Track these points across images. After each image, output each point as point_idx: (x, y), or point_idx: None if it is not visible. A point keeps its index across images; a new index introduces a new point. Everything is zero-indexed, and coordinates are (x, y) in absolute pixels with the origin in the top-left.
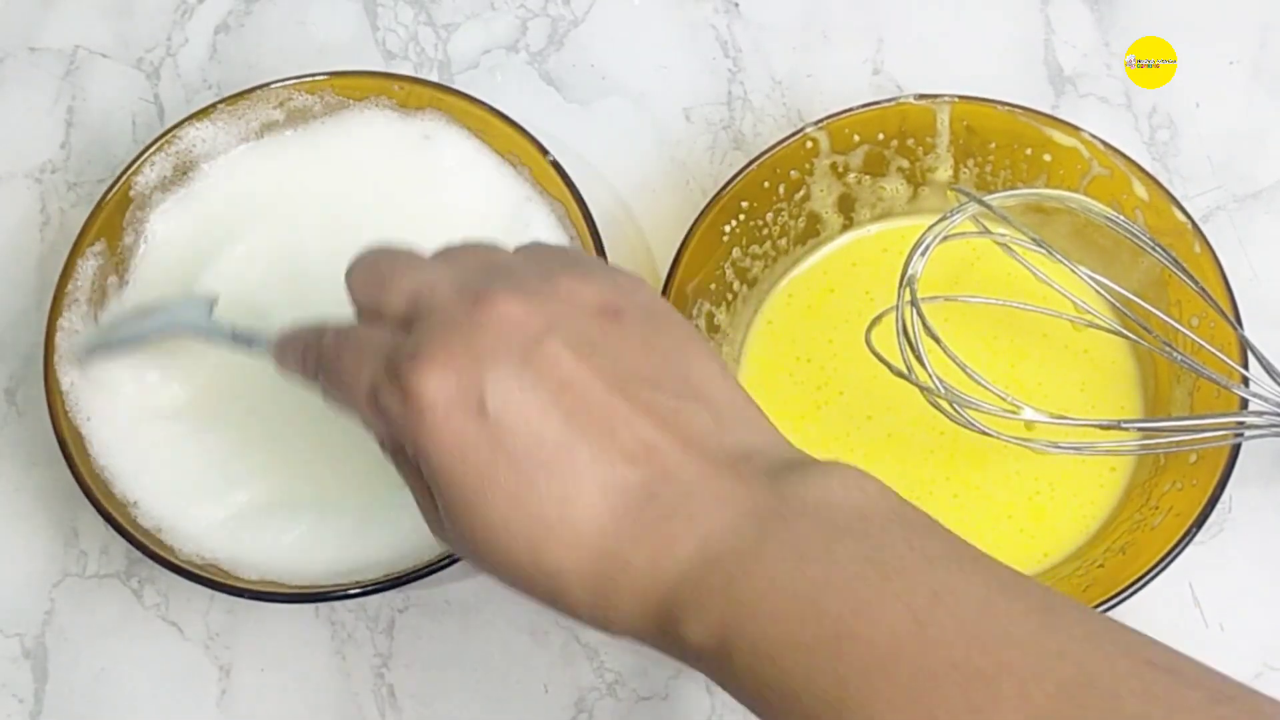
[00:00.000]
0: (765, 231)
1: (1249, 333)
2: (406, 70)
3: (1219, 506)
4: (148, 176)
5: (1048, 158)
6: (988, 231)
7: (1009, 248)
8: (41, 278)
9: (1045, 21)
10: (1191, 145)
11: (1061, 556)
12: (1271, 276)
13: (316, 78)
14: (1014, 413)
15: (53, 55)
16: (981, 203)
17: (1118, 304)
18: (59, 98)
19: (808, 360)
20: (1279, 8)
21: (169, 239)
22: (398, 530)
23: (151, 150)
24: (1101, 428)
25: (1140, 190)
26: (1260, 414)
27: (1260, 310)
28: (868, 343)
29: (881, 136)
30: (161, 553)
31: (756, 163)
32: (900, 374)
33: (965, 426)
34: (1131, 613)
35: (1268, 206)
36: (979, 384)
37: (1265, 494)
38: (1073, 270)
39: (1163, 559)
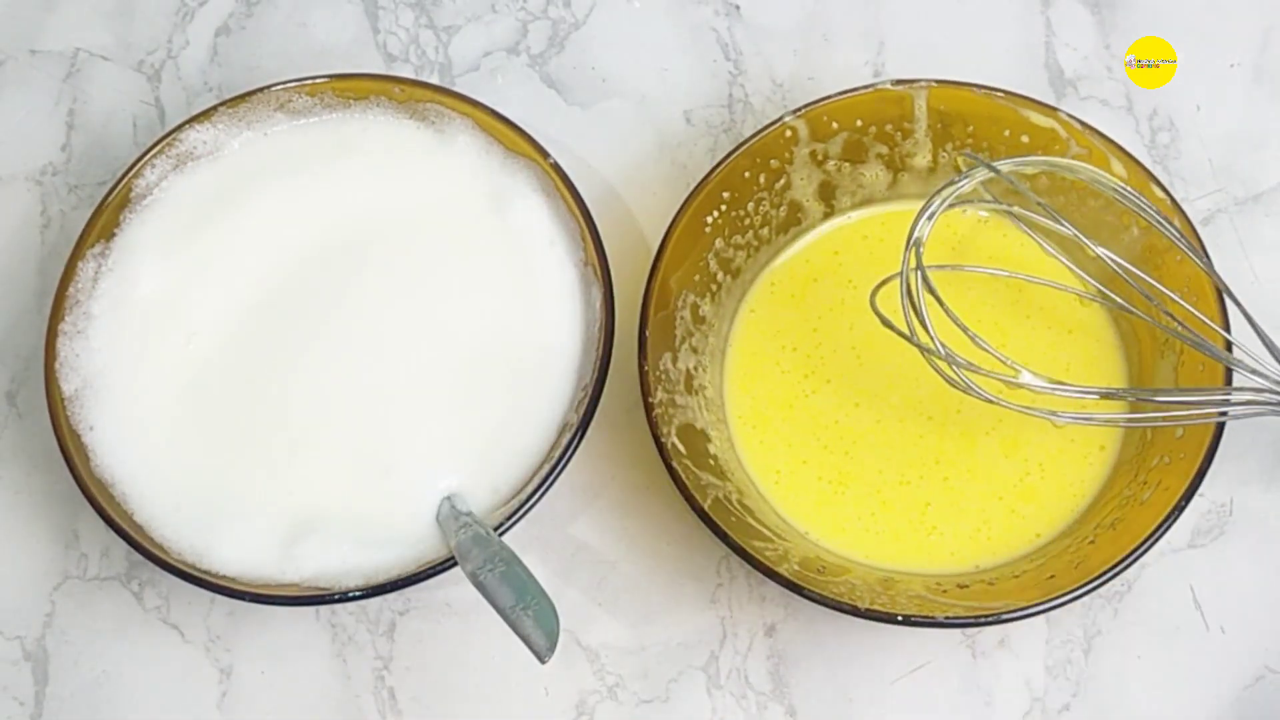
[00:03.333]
0: (747, 221)
1: (1250, 334)
2: (407, 73)
3: (1220, 509)
4: (148, 179)
5: (1025, 139)
6: (995, 200)
7: (1014, 215)
8: (42, 280)
9: (1046, 24)
10: (1192, 148)
11: (1053, 534)
12: (1272, 279)
13: (317, 80)
14: (1013, 376)
15: (54, 58)
16: (990, 168)
17: (1124, 276)
18: (60, 100)
19: (793, 349)
20: None
21: (165, 201)
22: (399, 535)
23: (152, 153)
24: (1105, 397)
25: (1119, 168)
26: (1260, 390)
27: (1261, 313)
28: (872, 305)
29: (860, 123)
30: (162, 555)
31: (737, 152)
32: (903, 335)
33: (965, 390)
34: (1133, 616)
35: (1268, 209)
36: (980, 347)
37: (1266, 496)
38: (1080, 240)
39: (1153, 533)
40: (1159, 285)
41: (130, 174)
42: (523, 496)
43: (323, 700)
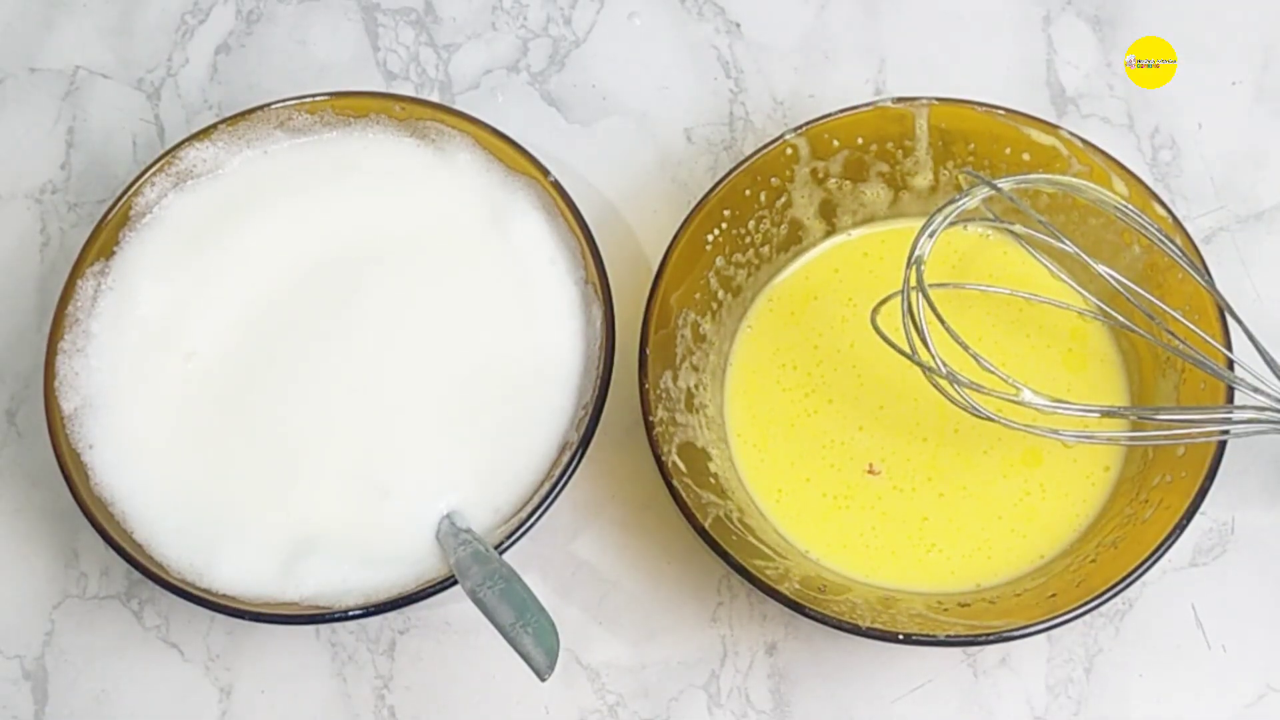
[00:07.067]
0: (748, 239)
1: (1251, 353)
2: (407, 91)
3: (1221, 528)
4: (148, 197)
5: (1027, 157)
6: (997, 218)
7: (1016, 234)
8: (41, 298)
9: (1047, 41)
10: (1194, 166)
11: (1054, 553)
12: (1274, 297)
13: (317, 98)
14: (1014, 395)
15: (53, 76)
16: (992, 186)
17: (1125, 294)
18: (59, 118)
19: (794, 367)
20: None
21: (164, 219)
22: (399, 553)
23: (152, 170)
24: (1107, 415)
25: (1120, 186)
26: (1261, 409)
27: (1263, 331)
28: (873, 323)
29: (860, 141)
30: (162, 574)
31: (737, 170)
32: (904, 353)
33: (966, 409)
34: (1135, 634)
35: (1270, 227)
36: (981, 365)
37: (1267, 515)
38: (1082, 258)
39: (1155, 552)
40: (1160, 303)
41: (130, 192)
42: (523, 515)
43: (323, 719)
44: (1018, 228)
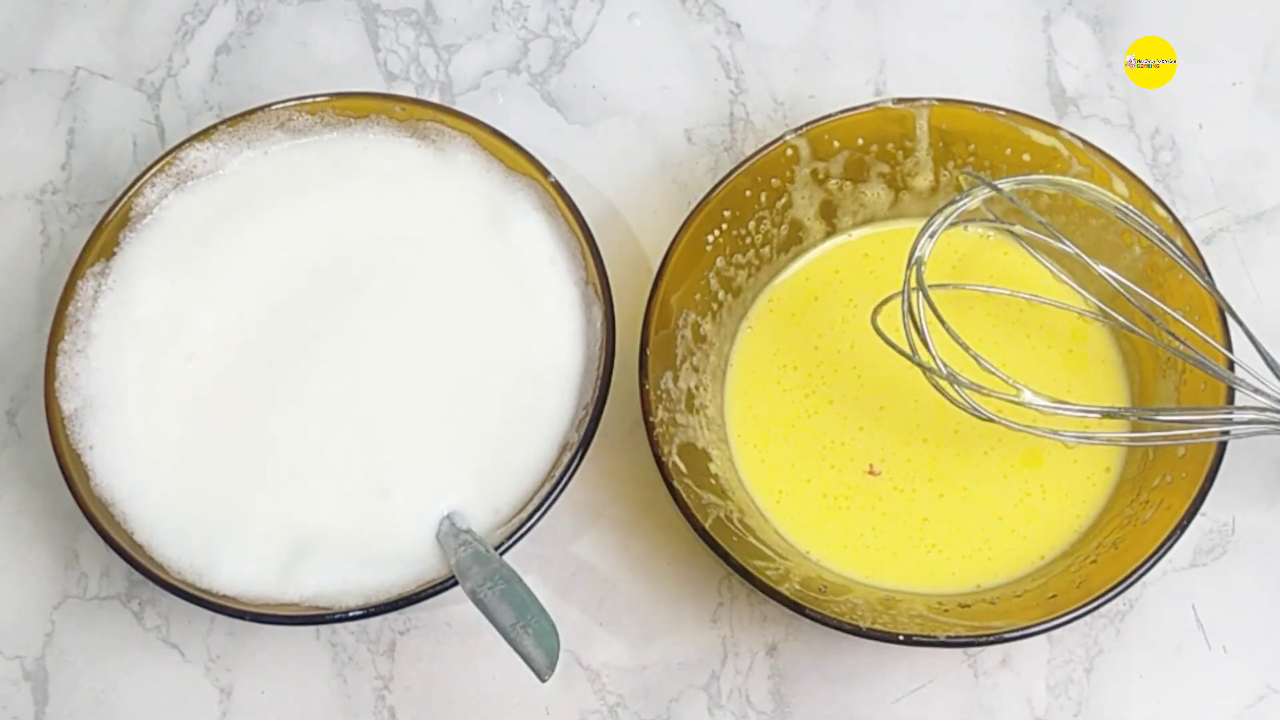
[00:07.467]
0: (748, 240)
1: (1252, 353)
2: (408, 91)
3: (1222, 529)
4: (148, 197)
5: (1027, 157)
6: (997, 219)
7: (1016, 234)
8: (42, 299)
9: (1047, 42)
10: (1194, 167)
11: (1055, 554)
12: (1274, 297)
13: (317, 99)
14: (1014, 395)
15: (54, 76)
16: (992, 186)
17: (1126, 295)
18: (60, 119)
19: (794, 368)
20: None
21: (165, 220)
22: (399, 553)
23: (152, 171)
24: (1107, 416)
25: (1121, 187)
26: (1262, 409)
27: (1263, 331)
28: (873, 324)
29: (861, 141)
30: (162, 574)
31: (738, 171)
32: (904, 354)
33: (966, 410)
34: (1135, 635)
35: (1270, 228)
36: (981, 366)
37: (1268, 516)
38: (1082, 259)
39: (1155, 552)
40: (1161, 304)
41: (130, 193)
42: (523, 515)
43: (323, 719)
44: (1018, 228)
